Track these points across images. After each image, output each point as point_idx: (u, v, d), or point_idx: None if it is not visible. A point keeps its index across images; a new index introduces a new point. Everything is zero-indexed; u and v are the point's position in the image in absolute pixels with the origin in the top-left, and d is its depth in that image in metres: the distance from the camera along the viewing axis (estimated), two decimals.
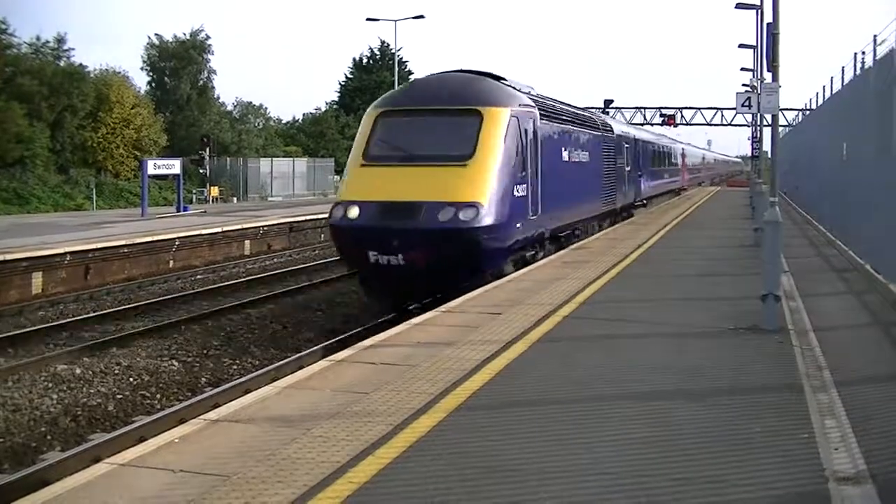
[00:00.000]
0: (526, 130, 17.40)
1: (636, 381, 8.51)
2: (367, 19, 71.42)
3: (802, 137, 37.55)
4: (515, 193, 16.51)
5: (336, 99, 78.22)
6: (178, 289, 21.84)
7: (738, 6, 28.29)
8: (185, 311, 18.16)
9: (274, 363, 13.31)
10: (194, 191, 49.40)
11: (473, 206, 15.22)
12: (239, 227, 30.40)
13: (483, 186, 15.55)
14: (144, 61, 59.10)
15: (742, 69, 41.13)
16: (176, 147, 52.68)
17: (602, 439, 6.73)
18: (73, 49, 63.14)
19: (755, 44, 29.07)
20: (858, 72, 18.08)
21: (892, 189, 13.36)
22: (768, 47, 13.53)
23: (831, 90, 24.18)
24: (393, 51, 67.99)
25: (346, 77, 78.96)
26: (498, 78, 18.56)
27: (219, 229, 28.85)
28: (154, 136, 50.97)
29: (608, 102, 61.30)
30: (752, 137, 38.60)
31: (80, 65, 49.48)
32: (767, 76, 14.92)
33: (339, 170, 66.09)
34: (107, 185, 46.31)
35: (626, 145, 32.92)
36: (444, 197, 15.23)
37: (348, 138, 71.13)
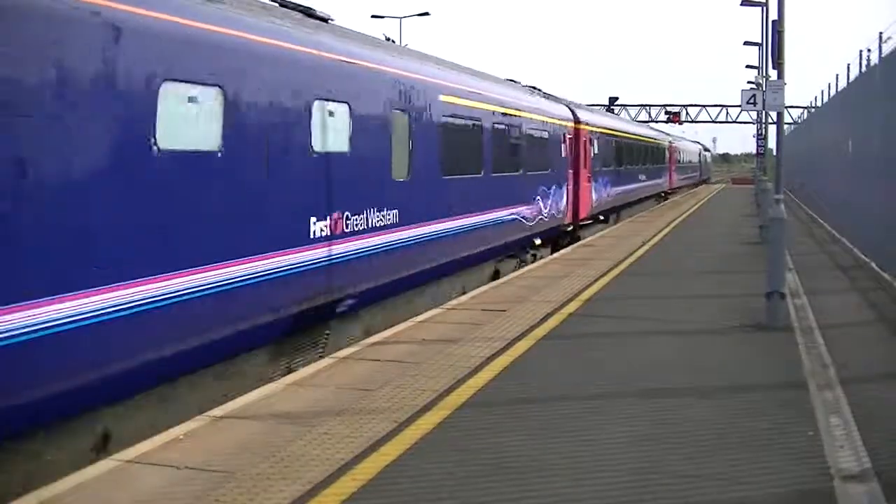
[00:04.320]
0: None
1: (641, 379, 8.51)
2: (373, 16, 71.46)
3: (808, 134, 37.44)
4: None
5: None
6: None
7: (744, 3, 28.15)
8: None
9: None
10: None
11: None
12: None
13: None
14: None
15: (747, 66, 40.99)
16: None
17: (607, 436, 6.72)
18: None
19: (760, 41, 28.98)
20: (864, 69, 18.05)
21: None
22: (773, 45, 13.50)
23: (836, 87, 24.13)
24: None
25: None
26: None
27: None
28: None
29: (613, 100, 61.24)
30: (758, 135, 38.53)
31: None
32: (773, 73, 14.88)
33: None
34: None
35: (567, 135, 22.70)
36: None
37: None
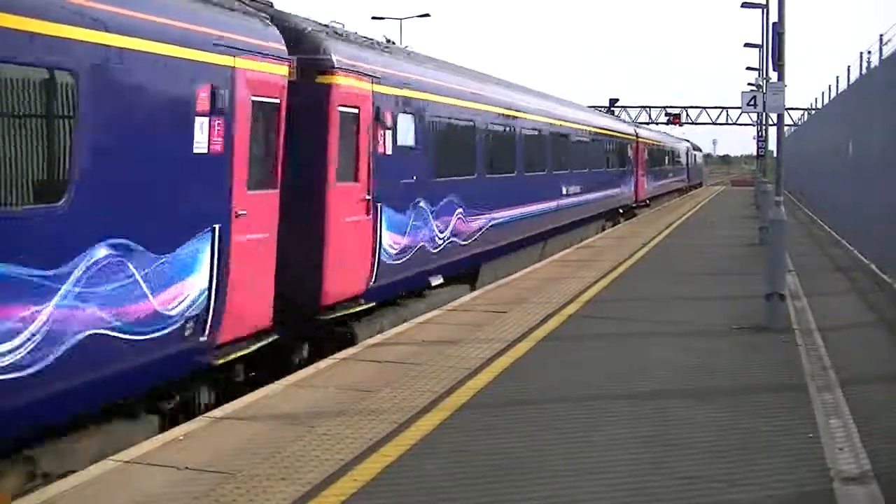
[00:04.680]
0: None
1: (641, 380, 8.51)
2: (373, 18, 71.26)
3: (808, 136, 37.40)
4: None
5: None
6: None
7: (744, 5, 28.19)
8: None
9: None
10: None
11: None
12: None
13: None
14: None
15: (748, 68, 40.98)
16: None
17: (607, 438, 6.72)
18: None
19: (761, 43, 28.99)
20: (864, 71, 18.06)
21: None
22: (774, 46, 13.52)
23: (837, 89, 24.15)
24: None
25: None
26: None
27: None
28: None
29: (613, 101, 61.14)
30: (758, 137, 38.53)
31: None
32: (773, 75, 14.91)
33: None
34: None
35: (305, 103, 9.85)
36: None
37: None
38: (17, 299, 5.95)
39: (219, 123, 8.17)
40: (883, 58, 15.45)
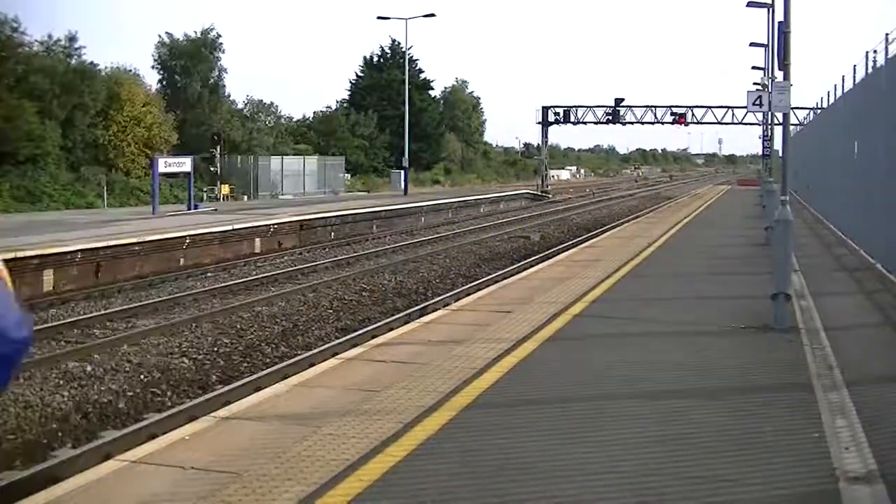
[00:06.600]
0: None
1: (646, 380, 8.51)
2: (378, 17, 71.62)
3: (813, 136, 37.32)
4: None
5: (347, 97, 78.81)
6: (188, 287, 21.85)
7: (750, 4, 28.14)
8: (196, 310, 18.16)
9: (284, 361, 13.32)
10: (205, 189, 49.15)
11: None
12: (249, 224, 30.42)
13: None
14: (155, 60, 58.99)
15: (753, 67, 40.95)
16: (187, 145, 52.47)
17: (612, 438, 6.73)
18: (84, 47, 62.21)
19: (766, 42, 28.95)
20: (870, 70, 18.02)
21: None
22: (779, 45, 13.49)
23: (843, 89, 24.09)
24: (403, 49, 68.38)
25: (357, 75, 79.85)
26: None
27: (229, 227, 28.88)
28: (165, 135, 50.87)
29: (619, 101, 61.27)
30: (763, 136, 38.49)
31: (92, 63, 49.00)
32: (779, 74, 14.87)
33: (350, 168, 66.17)
34: (118, 183, 46.27)
35: None
36: None
37: (358, 136, 71.14)
38: None
39: None
40: (889, 57, 15.42)
